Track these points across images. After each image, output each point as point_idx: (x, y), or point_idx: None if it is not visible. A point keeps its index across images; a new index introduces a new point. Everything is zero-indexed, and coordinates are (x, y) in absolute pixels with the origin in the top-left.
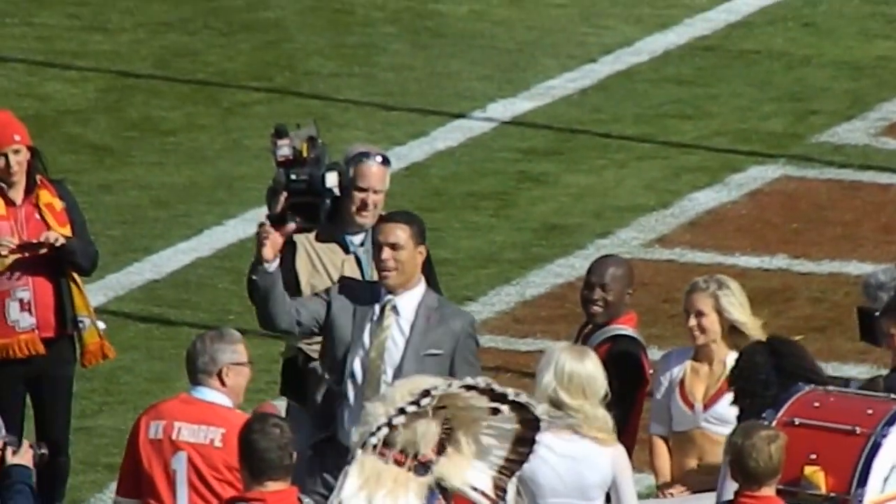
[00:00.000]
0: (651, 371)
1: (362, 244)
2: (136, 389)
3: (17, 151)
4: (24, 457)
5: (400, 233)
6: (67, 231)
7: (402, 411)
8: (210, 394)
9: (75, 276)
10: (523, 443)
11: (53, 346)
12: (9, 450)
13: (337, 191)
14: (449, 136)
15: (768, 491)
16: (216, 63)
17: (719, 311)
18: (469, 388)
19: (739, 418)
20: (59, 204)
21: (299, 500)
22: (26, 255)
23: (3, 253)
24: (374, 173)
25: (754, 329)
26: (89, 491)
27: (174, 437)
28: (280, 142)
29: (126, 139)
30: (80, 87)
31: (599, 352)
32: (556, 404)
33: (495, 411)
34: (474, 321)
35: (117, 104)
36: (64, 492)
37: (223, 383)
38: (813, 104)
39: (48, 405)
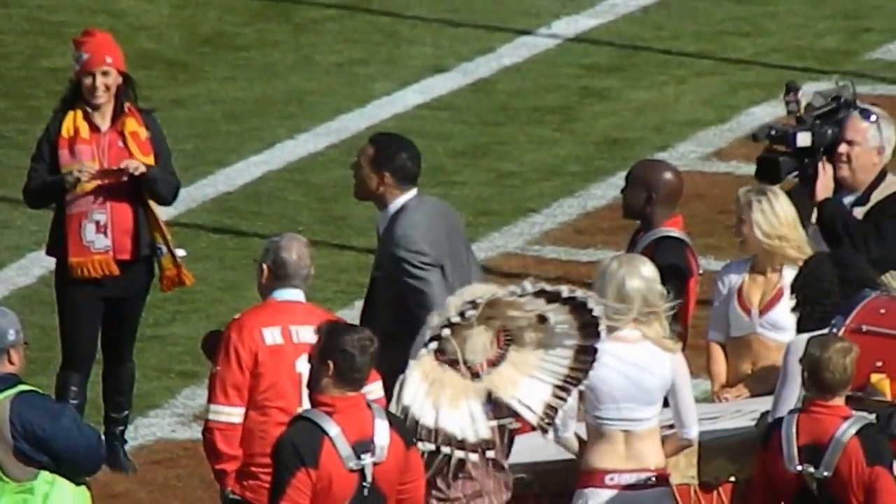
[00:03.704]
0: (702, 272)
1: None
2: (208, 298)
3: (105, 73)
4: None
5: (366, 149)
6: (151, 161)
7: (448, 322)
8: (301, 295)
9: (152, 205)
10: (585, 351)
11: (130, 270)
12: None
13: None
14: (515, 52)
15: (839, 400)
16: None
17: (752, 221)
18: (521, 294)
19: (799, 325)
20: (144, 133)
21: (368, 405)
22: (106, 181)
23: (83, 178)
24: (852, 126)
25: (793, 241)
26: (162, 397)
27: (295, 339)
28: (787, 98)
29: (199, 54)
30: (154, 4)
31: (645, 254)
32: (618, 316)
33: (542, 319)
34: (404, 237)
35: (191, 20)
36: (131, 398)
37: (306, 286)
38: (866, 22)
39: (118, 323)
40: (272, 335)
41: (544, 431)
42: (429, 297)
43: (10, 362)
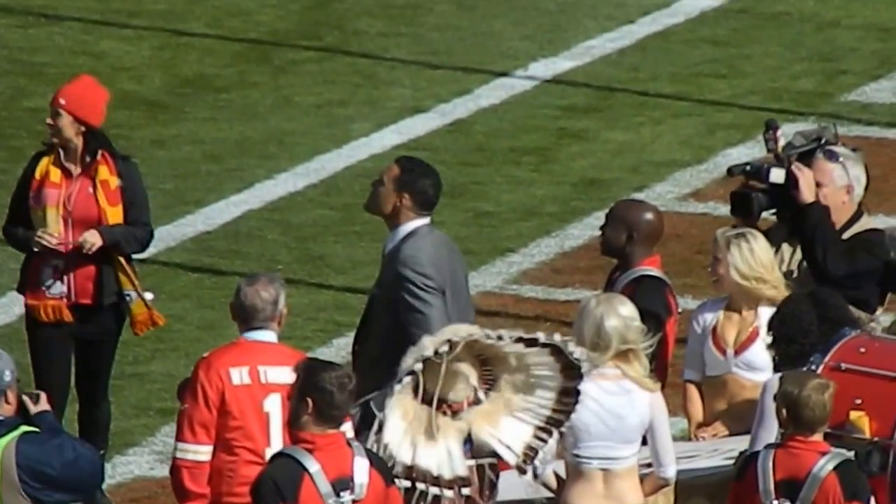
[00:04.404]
0: (681, 311)
1: None
2: (187, 337)
3: (56, 114)
4: (43, 404)
5: (391, 168)
6: (118, 210)
7: (423, 358)
8: (272, 335)
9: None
10: (568, 393)
11: (98, 314)
12: (28, 401)
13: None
14: (492, 93)
15: (818, 437)
16: (268, 22)
17: (729, 262)
18: (498, 338)
19: (775, 363)
20: (114, 182)
21: (348, 442)
22: (70, 247)
23: (42, 244)
24: (818, 168)
25: (770, 283)
26: (142, 434)
27: (263, 380)
28: (766, 135)
29: (180, 95)
30: (135, 45)
31: (625, 293)
32: (596, 354)
33: (523, 361)
34: (412, 258)
35: (171, 62)
36: (107, 437)
37: (279, 324)
38: (842, 64)
39: (90, 364)
40: (240, 375)
41: (522, 472)
42: (428, 320)
43: (7, 402)
